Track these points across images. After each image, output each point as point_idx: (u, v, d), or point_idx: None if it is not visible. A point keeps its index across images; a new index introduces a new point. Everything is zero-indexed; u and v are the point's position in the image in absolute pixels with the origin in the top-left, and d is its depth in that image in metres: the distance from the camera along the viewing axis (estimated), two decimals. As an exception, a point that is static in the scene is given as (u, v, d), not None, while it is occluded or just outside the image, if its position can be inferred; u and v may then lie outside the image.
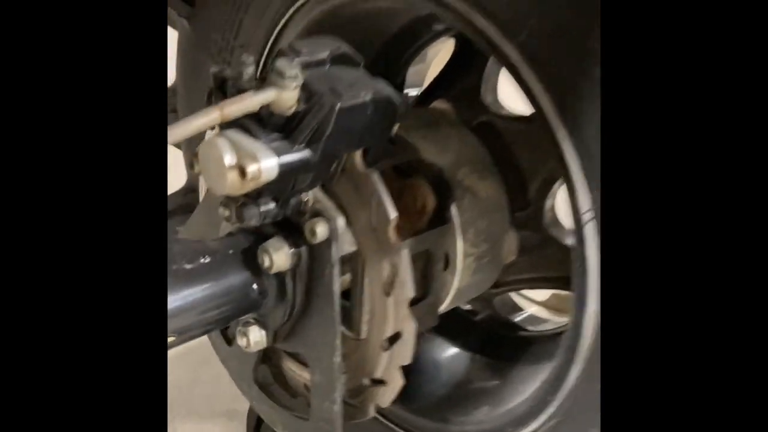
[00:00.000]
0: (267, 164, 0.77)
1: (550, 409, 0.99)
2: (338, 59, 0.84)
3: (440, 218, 1.03)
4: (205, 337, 1.36)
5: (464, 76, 1.18)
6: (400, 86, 1.31)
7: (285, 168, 0.78)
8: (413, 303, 1.09)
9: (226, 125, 0.81)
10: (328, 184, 0.87)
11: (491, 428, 1.13)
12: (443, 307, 1.12)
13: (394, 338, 0.92)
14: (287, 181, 0.81)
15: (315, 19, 1.20)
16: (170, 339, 0.89)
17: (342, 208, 0.91)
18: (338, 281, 0.91)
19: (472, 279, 1.10)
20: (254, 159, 0.76)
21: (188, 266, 0.91)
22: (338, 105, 0.78)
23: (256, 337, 1.00)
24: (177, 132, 0.71)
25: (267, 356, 1.12)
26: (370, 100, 0.80)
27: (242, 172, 0.76)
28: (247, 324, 1.01)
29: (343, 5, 1.15)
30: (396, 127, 0.88)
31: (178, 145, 1.47)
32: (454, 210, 1.03)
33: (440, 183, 1.03)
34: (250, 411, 1.53)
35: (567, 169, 0.84)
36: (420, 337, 1.37)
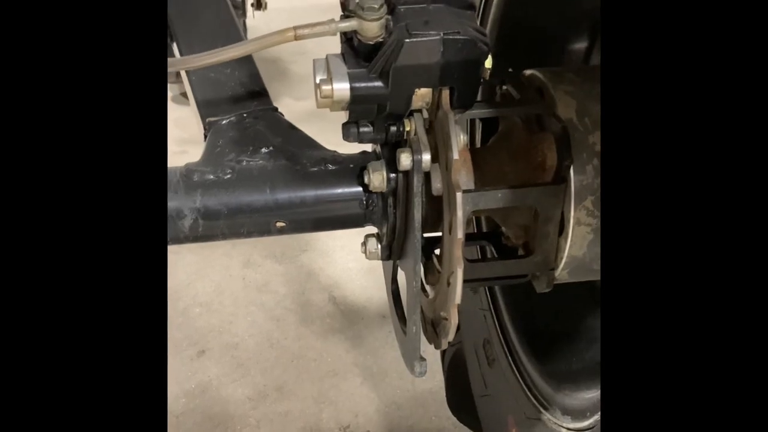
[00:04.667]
0: (338, 86, 0.87)
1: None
2: (443, -1, 0.88)
3: (554, 178, 0.99)
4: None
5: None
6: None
7: (357, 92, 0.87)
8: (519, 257, 1.10)
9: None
10: (404, 115, 0.92)
11: (579, 408, 1.08)
12: (560, 275, 1.08)
13: (451, 277, 0.95)
14: (367, 105, 0.90)
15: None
16: (281, 224, 1.06)
17: (436, 146, 0.95)
18: (420, 210, 0.97)
19: (591, 252, 1.03)
20: (329, 80, 0.87)
21: (312, 169, 1.06)
22: (406, 40, 0.82)
23: (371, 248, 1.12)
24: (253, 46, 0.85)
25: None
26: (440, 40, 0.83)
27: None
28: (369, 236, 1.13)
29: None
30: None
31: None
32: (571, 172, 0.98)
33: (564, 142, 0.99)
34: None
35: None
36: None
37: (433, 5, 0.88)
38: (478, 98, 1.31)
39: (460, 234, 0.89)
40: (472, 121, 1.42)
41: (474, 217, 1.46)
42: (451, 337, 1.02)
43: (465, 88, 0.89)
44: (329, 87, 0.87)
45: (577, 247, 1.03)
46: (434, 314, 1.07)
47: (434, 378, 1.94)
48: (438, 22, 0.84)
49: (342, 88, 0.87)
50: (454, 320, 0.98)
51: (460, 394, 1.72)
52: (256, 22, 3.64)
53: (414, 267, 1.01)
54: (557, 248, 1.05)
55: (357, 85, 0.87)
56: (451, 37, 0.83)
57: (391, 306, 1.22)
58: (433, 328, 1.09)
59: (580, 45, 1.40)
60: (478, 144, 1.40)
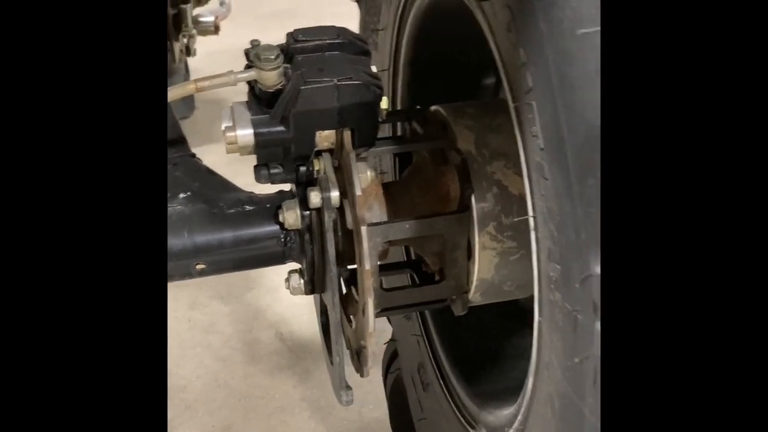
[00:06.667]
0: (242, 133, 0.92)
1: (515, 424, 0.97)
2: (336, 46, 0.94)
3: (462, 207, 1.05)
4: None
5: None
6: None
7: (261, 138, 0.92)
8: (434, 283, 1.15)
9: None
10: (308, 157, 0.97)
11: (497, 425, 1.13)
12: (473, 297, 1.13)
13: (364, 307, 0.99)
14: (272, 149, 0.95)
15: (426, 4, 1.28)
16: (201, 266, 1.10)
17: (343, 183, 1.00)
18: (332, 245, 1.02)
19: (499, 274, 1.09)
20: (233, 128, 0.92)
21: (229, 211, 1.10)
22: (302, 87, 0.88)
23: (294, 283, 1.16)
24: (158, 98, 0.89)
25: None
26: (334, 86, 0.88)
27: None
28: (292, 272, 1.17)
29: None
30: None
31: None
32: (472, 200, 1.04)
33: (464, 173, 1.05)
34: (386, 351, 1.70)
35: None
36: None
37: (329, 53, 0.94)
38: (397, 134, 1.39)
39: (367, 265, 0.94)
40: (393, 156, 1.48)
41: (403, 246, 1.52)
42: (370, 364, 1.06)
43: (364, 129, 0.95)
44: (233, 134, 0.92)
45: (485, 270, 1.09)
46: (357, 343, 1.12)
47: (380, 407, 1.96)
48: (332, 69, 0.90)
49: (245, 134, 0.92)
50: (371, 348, 1.02)
51: (402, 419, 1.75)
52: (199, 63, 3.68)
53: (332, 299, 1.06)
54: (467, 273, 1.10)
55: (260, 130, 0.92)
56: (344, 82, 0.89)
57: (322, 338, 1.26)
58: (358, 357, 1.13)
59: (490, 80, 1.48)
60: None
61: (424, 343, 1.48)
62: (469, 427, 1.25)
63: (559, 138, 0.68)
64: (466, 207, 1.05)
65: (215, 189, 1.13)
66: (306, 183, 1.04)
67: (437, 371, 1.42)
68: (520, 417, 0.98)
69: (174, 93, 0.91)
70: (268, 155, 0.96)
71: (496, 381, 1.35)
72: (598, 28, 0.61)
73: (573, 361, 0.71)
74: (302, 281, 1.15)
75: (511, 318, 1.47)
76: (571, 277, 0.69)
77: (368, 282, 0.96)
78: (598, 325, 0.64)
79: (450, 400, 1.35)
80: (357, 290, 1.11)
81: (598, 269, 0.63)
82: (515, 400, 1.09)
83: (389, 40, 1.42)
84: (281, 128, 0.92)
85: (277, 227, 1.09)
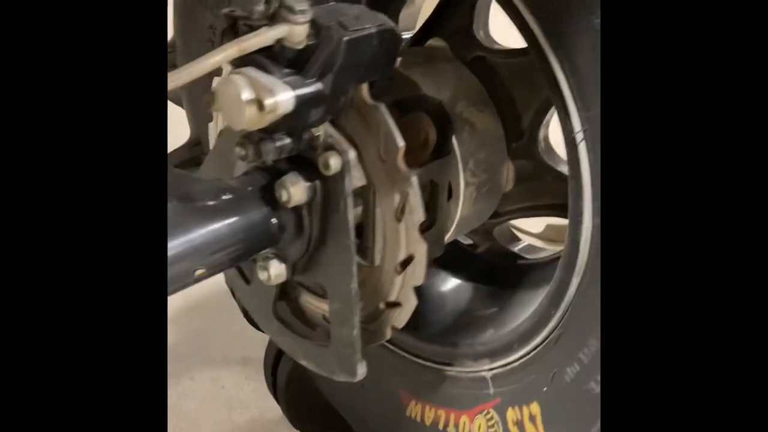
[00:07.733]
0: (283, 97, 0.82)
1: (552, 322, 1.06)
2: (341, -8, 0.89)
3: (442, 150, 1.09)
4: (218, 287, 1.42)
5: (456, 14, 1.23)
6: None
7: (300, 100, 0.84)
8: (422, 232, 1.17)
9: (239, 64, 0.86)
10: (337, 117, 0.91)
11: (499, 346, 1.20)
12: (448, 236, 1.18)
13: (407, 261, 0.98)
14: (302, 114, 0.87)
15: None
16: (200, 271, 0.95)
17: (352, 141, 0.96)
18: (352, 212, 0.97)
19: (474, 208, 1.16)
20: (271, 93, 0.81)
21: (211, 203, 0.96)
22: (346, 38, 0.83)
23: (276, 271, 1.06)
24: (196, 69, 0.76)
25: (284, 293, 1.18)
26: (376, 32, 0.85)
27: (260, 106, 0.82)
28: (266, 258, 1.06)
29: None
30: (397, 63, 0.93)
31: (179, 103, 1.52)
32: (454, 142, 1.09)
33: (440, 116, 1.09)
34: (268, 352, 1.61)
35: (559, 92, 0.90)
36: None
37: (334, 2, 0.89)
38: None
39: (421, 215, 0.93)
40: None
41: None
42: (404, 321, 1.05)
43: (385, 77, 0.92)
44: (272, 100, 0.81)
45: (466, 207, 1.14)
46: (374, 306, 1.07)
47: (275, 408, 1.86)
48: (362, 17, 0.86)
49: (286, 98, 0.82)
50: (413, 302, 1.01)
51: (303, 406, 1.70)
52: None
53: (351, 268, 1.00)
54: (449, 213, 1.15)
55: (300, 92, 0.83)
56: (383, 28, 0.86)
57: (283, 330, 1.18)
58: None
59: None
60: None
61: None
62: (444, 366, 1.28)
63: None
64: (448, 149, 1.09)
65: (182, 183, 0.97)
66: (304, 152, 0.97)
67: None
68: (555, 322, 1.06)
69: (215, 59, 0.76)
70: (304, 119, 0.87)
71: (438, 319, 1.40)
72: None
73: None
74: (284, 265, 1.06)
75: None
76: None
77: (417, 233, 0.95)
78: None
79: (403, 352, 1.36)
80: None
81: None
82: (507, 320, 1.18)
83: None
84: (320, 86, 0.85)
85: (268, 208, 0.99)
